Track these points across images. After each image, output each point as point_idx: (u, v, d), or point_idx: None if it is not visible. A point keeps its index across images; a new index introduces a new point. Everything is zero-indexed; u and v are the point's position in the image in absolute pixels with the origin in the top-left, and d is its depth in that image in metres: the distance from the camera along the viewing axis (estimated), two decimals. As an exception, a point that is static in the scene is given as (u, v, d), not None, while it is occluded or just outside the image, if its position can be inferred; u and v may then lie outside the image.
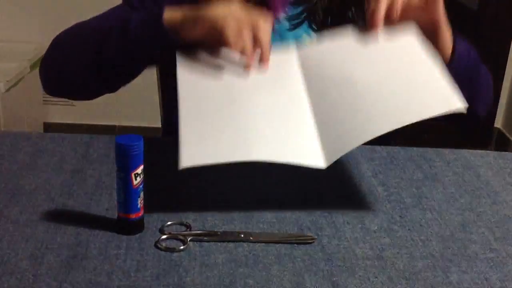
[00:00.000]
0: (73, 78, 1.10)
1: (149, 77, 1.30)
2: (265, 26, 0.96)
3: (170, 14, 0.99)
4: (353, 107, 0.88)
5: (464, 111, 0.83)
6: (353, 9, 1.18)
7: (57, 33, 1.13)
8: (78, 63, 1.08)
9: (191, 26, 0.96)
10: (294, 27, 1.18)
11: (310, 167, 0.84)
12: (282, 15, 1.18)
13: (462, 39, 1.07)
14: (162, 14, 0.98)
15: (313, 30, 1.18)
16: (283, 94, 0.93)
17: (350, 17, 1.18)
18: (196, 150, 0.83)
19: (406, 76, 0.91)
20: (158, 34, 0.99)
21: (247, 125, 0.88)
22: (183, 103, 0.89)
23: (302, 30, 1.18)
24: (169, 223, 0.85)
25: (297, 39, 1.18)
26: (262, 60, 0.96)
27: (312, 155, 0.86)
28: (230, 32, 0.93)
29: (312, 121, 0.89)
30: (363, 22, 1.16)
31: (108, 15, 1.16)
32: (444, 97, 0.86)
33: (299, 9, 1.18)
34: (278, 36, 1.17)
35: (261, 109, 0.90)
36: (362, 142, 0.85)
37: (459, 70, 1.00)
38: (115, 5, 1.21)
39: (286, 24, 1.18)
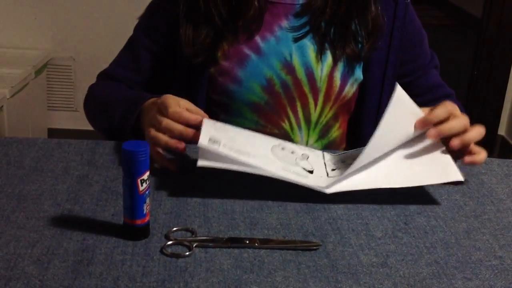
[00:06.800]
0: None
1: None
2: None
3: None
4: (365, 164, 0.97)
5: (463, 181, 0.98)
6: (356, 21, 1.18)
7: (61, 39, 1.14)
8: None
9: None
10: (298, 38, 1.18)
11: (314, 188, 0.94)
12: (285, 23, 1.18)
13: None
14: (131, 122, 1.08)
15: (316, 41, 1.19)
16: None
17: (353, 29, 1.18)
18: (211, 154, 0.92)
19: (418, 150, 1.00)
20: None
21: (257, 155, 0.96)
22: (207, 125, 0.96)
23: (306, 41, 1.19)
24: (174, 229, 0.85)
25: (301, 50, 1.18)
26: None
27: (320, 180, 0.97)
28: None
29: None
30: (365, 34, 1.17)
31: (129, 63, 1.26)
32: (447, 170, 0.98)
33: (302, 20, 1.19)
34: (282, 47, 1.18)
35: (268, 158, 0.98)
36: (363, 188, 0.95)
37: None
38: (121, 12, 1.22)
39: (289, 35, 1.18)
